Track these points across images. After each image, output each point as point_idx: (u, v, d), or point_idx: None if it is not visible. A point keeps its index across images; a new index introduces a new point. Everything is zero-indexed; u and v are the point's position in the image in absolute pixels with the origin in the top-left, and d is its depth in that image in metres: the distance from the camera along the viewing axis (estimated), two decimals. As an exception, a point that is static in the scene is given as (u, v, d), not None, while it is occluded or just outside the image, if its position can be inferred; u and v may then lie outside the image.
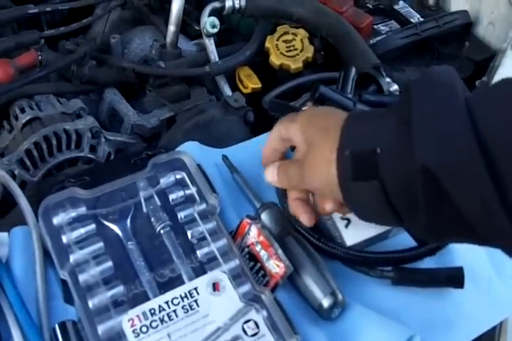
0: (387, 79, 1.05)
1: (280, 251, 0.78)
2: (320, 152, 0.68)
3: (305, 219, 0.77)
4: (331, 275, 0.80)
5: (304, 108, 0.97)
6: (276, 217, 0.83)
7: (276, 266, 0.78)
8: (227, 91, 1.16)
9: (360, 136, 0.63)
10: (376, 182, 0.60)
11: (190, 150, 0.92)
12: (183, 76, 1.14)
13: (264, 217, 0.83)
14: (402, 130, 0.59)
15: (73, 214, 0.81)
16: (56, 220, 0.80)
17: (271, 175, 0.79)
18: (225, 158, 0.93)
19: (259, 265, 0.80)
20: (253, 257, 0.81)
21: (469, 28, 1.28)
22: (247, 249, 0.81)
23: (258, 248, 0.80)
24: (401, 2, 1.34)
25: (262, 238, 0.80)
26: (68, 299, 0.77)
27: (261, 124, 1.08)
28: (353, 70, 0.96)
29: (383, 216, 0.63)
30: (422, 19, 1.29)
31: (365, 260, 0.83)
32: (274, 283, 0.79)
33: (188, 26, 1.28)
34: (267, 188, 0.89)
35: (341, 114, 0.69)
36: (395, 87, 1.05)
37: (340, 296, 0.78)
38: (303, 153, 0.72)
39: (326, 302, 0.78)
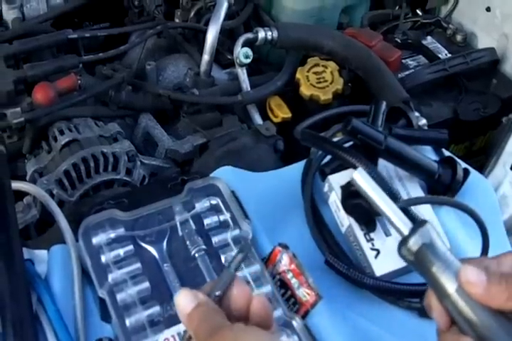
0: (416, 114, 1.07)
1: (311, 280, 0.80)
2: None
3: None
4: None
5: (334, 139, 0.99)
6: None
7: (306, 294, 0.80)
8: (257, 119, 1.19)
9: None
10: None
11: (225, 176, 0.95)
12: (216, 104, 1.17)
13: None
14: None
15: (112, 234, 0.83)
16: (95, 240, 0.83)
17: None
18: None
19: (289, 292, 0.82)
20: (284, 284, 0.83)
21: (496, 65, 1.30)
22: (278, 276, 0.83)
23: (289, 276, 0.82)
24: (429, 37, 1.36)
25: (293, 266, 0.82)
26: (105, 317, 0.80)
27: (290, 153, 1.11)
28: (384, 104, 0.98)
29: None
30: (449, 55, 1.31)
31: (393, 290, 0.85)
32: (304, 310, 0.81)
33: (221, 55, 1.32)
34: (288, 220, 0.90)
35: None
36: (423, 121, 1.07)
37: None
38: None
39: None
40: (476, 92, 1.26)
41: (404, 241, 0.59)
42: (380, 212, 0.61)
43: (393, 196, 0.85)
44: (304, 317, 0.81)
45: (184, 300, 0.61)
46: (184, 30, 1.33)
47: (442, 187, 0.95)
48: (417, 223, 0.60)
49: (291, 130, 1.02)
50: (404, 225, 0.60)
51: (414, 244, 0.58)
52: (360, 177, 0.61)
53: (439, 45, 1.35)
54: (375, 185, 0.62)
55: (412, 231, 0.59)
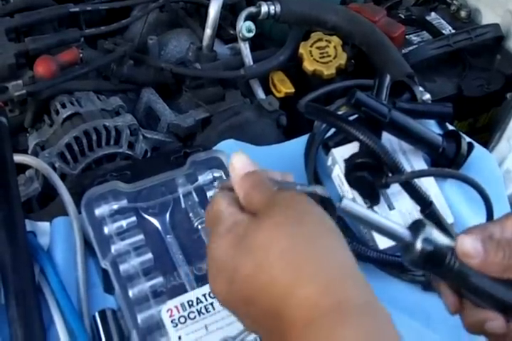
0: (420, 88, 1.06)
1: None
2: None
3: None
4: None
5: (339, 112, 0.98)
6: None
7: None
8: (260, 94, 1.18)
9: None
10: None
11: (227, 149, 0.94)
12: (218, 78, 1.16)
13: None
14: None
15: (115, 206, 0.83)
16: (98, 211, 0.83)
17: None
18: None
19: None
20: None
21: (501, 41, 1.29)
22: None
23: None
24: (433, 13, 1.36)
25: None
26: (108, 288, 0.80)
27: (292, 128, 1.10)
28: (388, 78, 0.98)
29: None
30: (453, 31, 1.31)
31: (396, 263, 0.85)
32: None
33: (223, 30, 1.30)
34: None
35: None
36: (427, 96, 1.06)
37: None
38: None
39: None
40: (480, 68, 1.25)
41: (409, 247, 0.59)
42: (379, 228, 0.61)
43: (398, 169, 0.85)
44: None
45: (241, 161, 0.60)
46: (186, 5, 1.32)
47: (446, 161, 0.95)
48: (413, 225, 0.60)
49: (294, 105, 1.01)
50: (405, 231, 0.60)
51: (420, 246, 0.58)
52: (350, 205, 0.60)
53: (443, 21, 1.34)
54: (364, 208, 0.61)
55: (414, 235, 0.59)
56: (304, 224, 0.55)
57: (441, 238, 0.59)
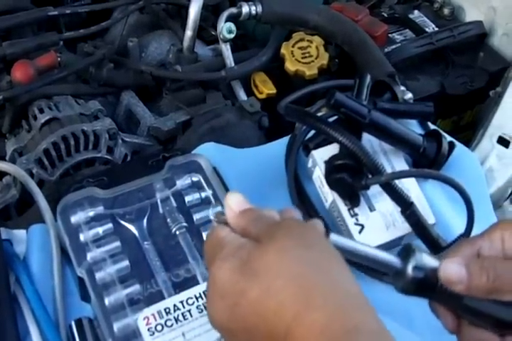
0: (402, 88, 1.05)
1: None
2: None
3: None
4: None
5: (319, 114, 0.97)
6: None
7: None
8: (242, 96, 1.17)
9: None
10: None
11: (207, 152, 0.93)
12: (199, 80, 1.15)
13: None
14: None
15: (91, 213, 0.82)
16: (74, 219, 0.82)
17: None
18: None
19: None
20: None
21: (484, 38, 1.28)
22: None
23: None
24: (416, 11, 1.35)
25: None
26: (84, 296, 0.79)
27: (275, 130, 1.09)
28: (368, 78, 0.97)
29: None
30: (436, 29, 1.30)
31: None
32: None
33: (204, 31, 1.30)
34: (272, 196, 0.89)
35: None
36: (409, 95, 1.05)
37: None
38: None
39: None
40: (463, 66, 1.24)
41: (400, 275, 0.59)
42: (368, 259, 0.61)
43: (378, 170, 0.84)
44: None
45: (236, 200, 0.60)
46: (167, 6, 1.31)
47: (427, 161, 0.94)
48: (403, 251, 0.60)
49: (276, 106, 1.00)
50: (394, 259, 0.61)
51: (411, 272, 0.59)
52: (337, 239, 0.60)
53: (426, 19, 1.33)
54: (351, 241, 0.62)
55: (404, 262, 0.59)
56: (310, 248, 0.55)
57: (431, 262, 0.59)
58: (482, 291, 0.58)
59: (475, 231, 0.85)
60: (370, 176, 0.85)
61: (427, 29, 1.30)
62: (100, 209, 0.83)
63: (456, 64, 1.25)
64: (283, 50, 1.19)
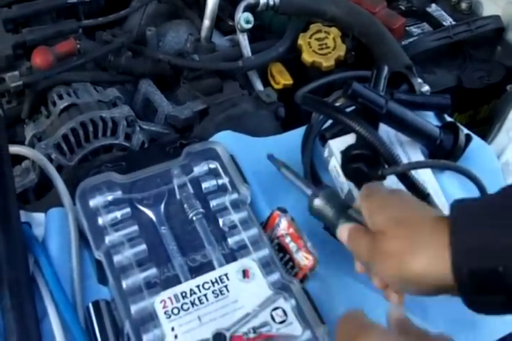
0: (419, 80, 1.05)
1: (309, 244, 0.79)
2: (412, 250, 0.64)
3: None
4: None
5: (336, 104, 0.98)
6: (331, 200, 0.80)
7: (305, 259, 0.79)
8: (258, 86, 1.17)
9: (477, 251, 0.58)
10: (503, 296, 0.57)
11: (224, 140, 0.94)
12: (216, 70, 1.15)
13: (320, 201, 0.80)
14: None
15: (109, 197, 0.83)
16: (93, 202, 0.82)
17: (340, 235, 0.76)
18: (270, 156, 0.91)
19: (288, 256, 0.81)
20: (282, 248, 0.82)
21: (501, 32, 1.28)
22: (276, 241, 0.83)
23: (288, 240, 0.81)
24: (434, 5, 1.35)
25: (291, 230, 0.81)
26: (102, 279, 0.80)
27: (291, 121, 1.10)
28: (386, 69, 0.97)
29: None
30: (454, 22, 1.30)
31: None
32: (303, 274, 0.80)
33: (222, 22, 1.30)
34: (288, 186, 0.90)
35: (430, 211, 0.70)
36: (426, 87, 1.06)
37: None
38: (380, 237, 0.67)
39: None
40: (480, 60, 1.24)
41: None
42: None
43: (394, 160, 0.84)
44: (302, 281, 0.80)
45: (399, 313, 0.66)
46: (185, -4, 1.32)
47: (444, 153, 0.94)
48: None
49: (293, 97, 1.01)
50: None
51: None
52: None
53: (444, 13, 1.33)
54: None
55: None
56: None
57: None
58: None
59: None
60: (386, 166, 0.86)
61: (444, 23, 1.30)
62: (118, 193, 0.83)
63: (473, 58, 1.24)
64: (300, 41, 1.19)
